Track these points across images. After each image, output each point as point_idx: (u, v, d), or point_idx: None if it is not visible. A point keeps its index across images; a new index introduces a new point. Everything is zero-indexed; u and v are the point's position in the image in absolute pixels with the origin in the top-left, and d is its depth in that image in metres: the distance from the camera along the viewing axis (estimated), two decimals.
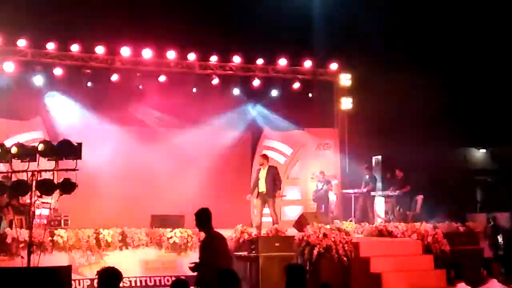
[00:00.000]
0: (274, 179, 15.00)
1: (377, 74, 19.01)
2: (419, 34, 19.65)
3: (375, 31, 18.63)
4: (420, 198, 17.62)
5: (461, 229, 14.26)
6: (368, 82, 19.71)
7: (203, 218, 9.28)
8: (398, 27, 19.24)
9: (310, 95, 19.98)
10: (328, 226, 13.02)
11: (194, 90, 18.92)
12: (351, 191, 18.40)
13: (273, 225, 14.06)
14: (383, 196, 18.12)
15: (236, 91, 19.40)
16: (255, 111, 20.02)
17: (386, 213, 17.99)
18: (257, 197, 15.13)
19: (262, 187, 14.94)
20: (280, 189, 15.26)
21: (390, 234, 13.95)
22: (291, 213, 18.82)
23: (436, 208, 17.70)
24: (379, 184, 18.52)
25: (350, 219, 17.50)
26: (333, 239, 12.32)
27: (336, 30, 18.43)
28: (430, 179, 18.68)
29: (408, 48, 19.62)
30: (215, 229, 9.30)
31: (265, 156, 15.70)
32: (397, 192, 17.61)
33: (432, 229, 13.61)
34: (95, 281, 12.37)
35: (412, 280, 12.19)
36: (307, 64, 19.95)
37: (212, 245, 9.06)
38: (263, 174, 15.04)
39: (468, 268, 10.03)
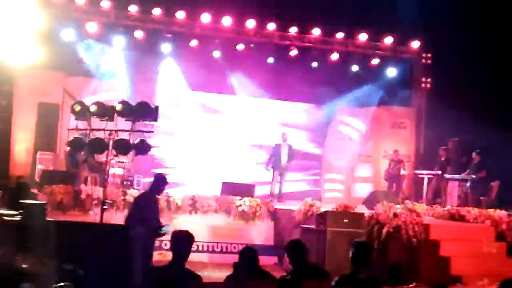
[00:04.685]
0: (292, 154, 16.91)
1: (460, 55, 18.40)
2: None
3: (461, 8, 17.95)
4: (496, 184, 17.09)
5: None
6: (450, 63, 19.13)
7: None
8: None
9: (391, 71, 19.60)
10: (398, 206, 12.83)
11: (272, 60, 18.84)
12: (424, 172, 18.01)
13: (279, 192, 16.46)
14: (457, 180, 17.66)
15: (314, 64, 19.20)
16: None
17: (459, 197, 17.56)
18: (277, 169, 16.73)
19: (284, 160, 16.74)
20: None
21: (462, 218, 13.61)
22: (362, 190, 18.66)
23: None
24: (454, 167, 18.05)
25: (421, 200, 17.19)
26: (403, 220, 12.09)
27: (420, 7, 17.85)
28: (509, 165, 17.99)
29: (497, 30, 18.79)
30: None
31: (285, 134, 17.23)
32: (472, 176, 17.14)
33: (506, 216, 13.22)
34: (164, 242, 12.73)
35: (482, 266, 11.88)
36: (388, 40, 19.55)
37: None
38: (285, 149, 16.76)
39: None
